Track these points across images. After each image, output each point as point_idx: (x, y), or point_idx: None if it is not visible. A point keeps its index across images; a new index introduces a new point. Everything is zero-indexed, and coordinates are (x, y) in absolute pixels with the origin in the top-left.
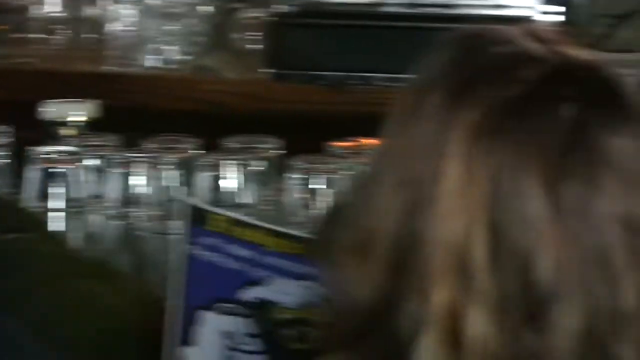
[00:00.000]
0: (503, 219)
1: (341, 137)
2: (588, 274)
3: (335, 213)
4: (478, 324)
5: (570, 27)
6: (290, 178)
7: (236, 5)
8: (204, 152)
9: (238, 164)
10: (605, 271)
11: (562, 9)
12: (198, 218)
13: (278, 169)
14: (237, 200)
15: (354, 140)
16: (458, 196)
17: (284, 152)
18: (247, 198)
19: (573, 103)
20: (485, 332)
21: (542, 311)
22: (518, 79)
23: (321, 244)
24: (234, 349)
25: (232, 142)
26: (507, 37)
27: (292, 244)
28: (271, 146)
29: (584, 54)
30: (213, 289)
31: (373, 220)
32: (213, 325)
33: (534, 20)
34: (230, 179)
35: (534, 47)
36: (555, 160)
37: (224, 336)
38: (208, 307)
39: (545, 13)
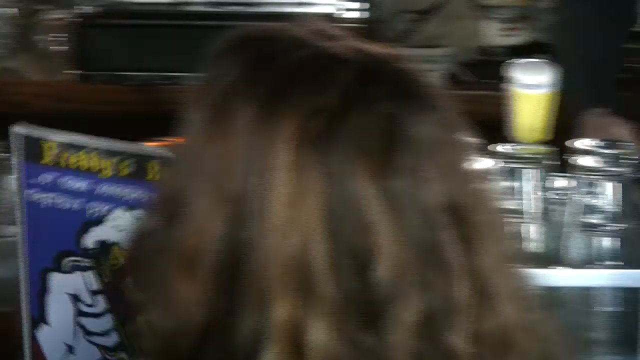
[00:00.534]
0: (339, 225)
1: (149, 136)
2: (423, 268)
3: (146, 230)
4: (320, 333)
5: (374, 23)
6: None
7: (40, 7)
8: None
9: None
10: (438, 262)
11: (366, 5)
12: (32, 150)
13: None
14: None
15: (161, 140)
16: (290, 207)
17: None
18: None
19: (386, 100)
20: (327, 341)
21: (381, 311)
22: (330, 82)
23: (140, 264)
24: (80, 314)
25: None
26: (299, 38)
27: (133, 163)
28: None
29: (380, 49)
30: (55, 241)
31: (195, 238)
32: (60, 289)
33: (310, 17)
34: None
35: (332, 47)
36: (380, 159)
37: (73, 301)
38: (53, 267)
39: (348, 10)
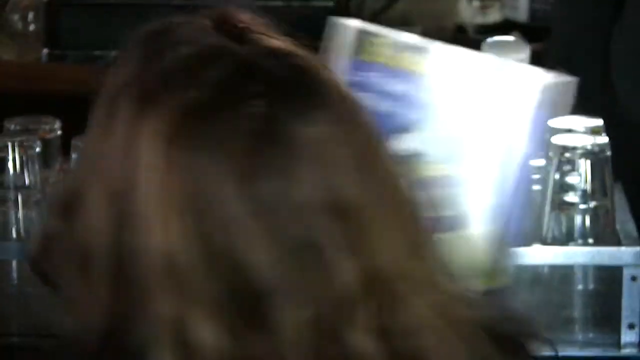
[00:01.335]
0: (208, 225)
1: None
2: (302, 265)
3: (50, 227)
4: (206, 333)
5: (348, 2)
6: (72, 159)
7: None
8: None
9: (18, 146)
10: (318, 259)
11: None
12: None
13: (58, 150)
14: (18, 183)
15: None
16: (160, 206)
17: (64, 132)
18: (29, 179)
19: (260, 98)
20: (214, 340)
21: (264, 309)
22: (203, 80)
23: (43, 262)
24: None
25: (11, 124)
26: (195, 33)
27: None
28: (51, 127)
29: (277, 42)
30: None
31: (88, 235)
32: None
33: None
34: (11, 161)
35: (221, 41)
36: (249, 159)
37: None
38: None
39: None
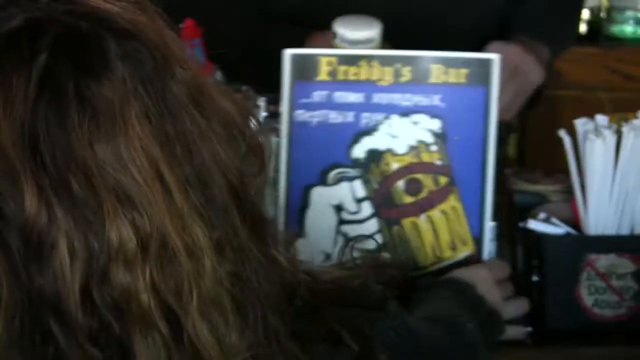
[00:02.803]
0: None
1: None
2: (83, 217)
3: None
4: None
5: None
6: None
7: None
8: None
9: None
10: (99, 212)
11: None
12: (306, 69)
13: None
14: None
15: None
16: None
17: None
18: None
19: (46, 55)
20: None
21: (47, 252)
22: None
23: None
24: (343, 222)
25: None
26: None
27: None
28: None
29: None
30: (323, 156)
31: None
32: (322, 202)
33: None
34: None
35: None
36: (32, 113)
37: (335, 211)
38: (318, 182)
39: None
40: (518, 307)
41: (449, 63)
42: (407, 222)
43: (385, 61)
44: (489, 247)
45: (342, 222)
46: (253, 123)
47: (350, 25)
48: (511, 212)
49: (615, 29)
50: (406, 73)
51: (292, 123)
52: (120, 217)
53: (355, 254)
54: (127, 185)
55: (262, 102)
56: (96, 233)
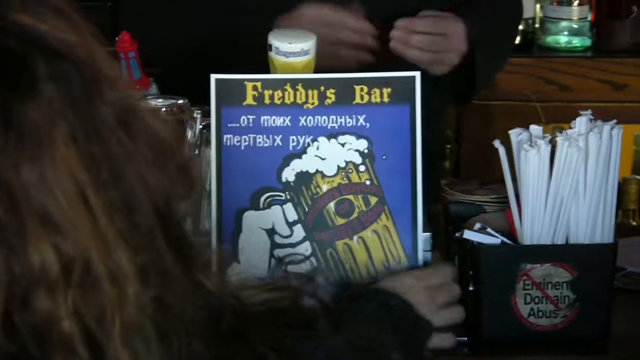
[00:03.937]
0: None
1: None
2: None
3: None
4: None
5: None
6: None
7: None
8: None
9: None
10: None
11: None
12: (232, 94)
13: None
14: None
15: None
16: None
17: None
18: None
19: None
20: None
21: None
22: None
23: None
24: (276, 246)
25: None
26: None
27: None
28: None
29: (28, 19)
30: (253, 180)
31: None
32: (254, 226)
33: None
34: None
35: None
36: None
37: (268, 235)
38: (249, 207)
39: None
40: (452, 314)
41: (371, 83)
42: (340, 243)
43: (309, 84)
44: (423, 259)
45: (275, 245)
46: (184, 144)
47: (286, 37)
48: (447, 222)
49: (549, 39)
50: (331, 95)
51: (221, 147)
52: (43, 240)
53: (287, 274)
54: (51, 208)
55: (198, 114)
56: (18, 256)
